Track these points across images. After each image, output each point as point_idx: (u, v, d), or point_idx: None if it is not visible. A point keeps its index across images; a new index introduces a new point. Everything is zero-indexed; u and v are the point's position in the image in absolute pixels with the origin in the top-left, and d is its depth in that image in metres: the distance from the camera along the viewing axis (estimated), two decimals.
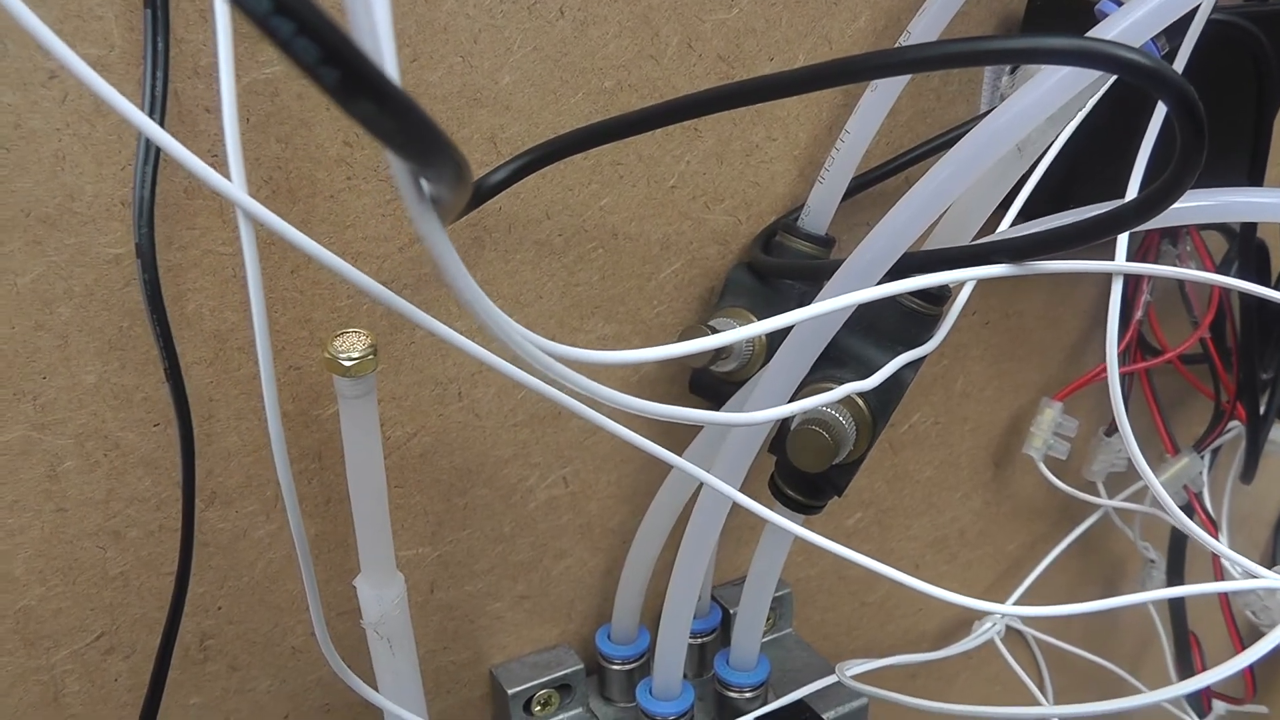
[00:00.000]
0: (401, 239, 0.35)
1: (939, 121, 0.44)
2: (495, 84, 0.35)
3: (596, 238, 0.39)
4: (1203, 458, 0.53)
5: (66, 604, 0.35)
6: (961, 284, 0.37)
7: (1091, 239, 0.31)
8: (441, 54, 0.34)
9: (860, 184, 0.41)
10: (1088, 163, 0.39)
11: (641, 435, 0.31)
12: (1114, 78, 0.34)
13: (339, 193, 0.34)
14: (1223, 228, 0.52)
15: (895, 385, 0.36)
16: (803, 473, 0.36)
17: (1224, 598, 0.57)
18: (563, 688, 0.44)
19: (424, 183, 0.18)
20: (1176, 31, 0.35)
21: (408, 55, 0.33)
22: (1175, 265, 0.50)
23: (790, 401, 0.34)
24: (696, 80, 0.38)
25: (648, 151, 0.38)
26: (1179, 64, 0.34)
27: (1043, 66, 0.30)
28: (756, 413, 0.32)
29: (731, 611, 0.45)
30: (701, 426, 0.40)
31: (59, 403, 0.32)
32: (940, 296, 0.36)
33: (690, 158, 0.39)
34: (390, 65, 0.17)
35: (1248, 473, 0.56)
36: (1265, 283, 0.50)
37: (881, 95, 0.37)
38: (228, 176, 0.30)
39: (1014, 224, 0.39)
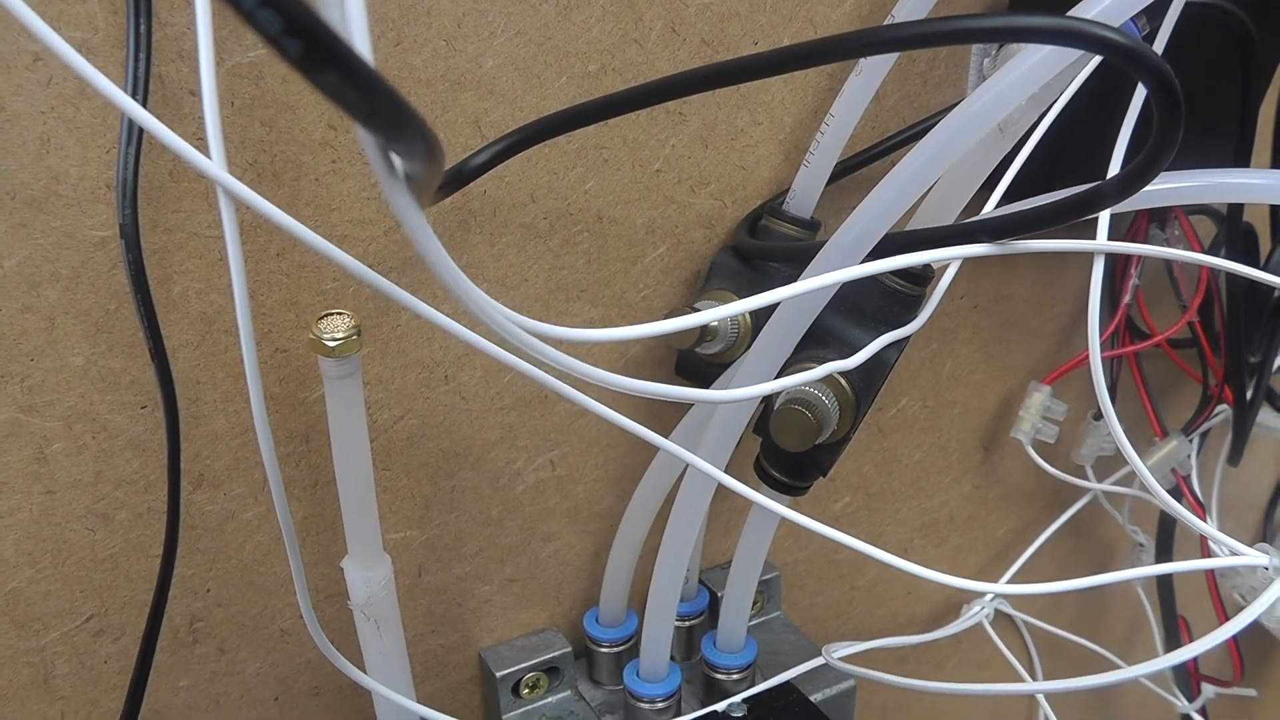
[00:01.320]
0: (386, 222, 0.36)
1: (925, 106, 0.44)
2: (479, 68, 0.35)
3: (582, 221, 0.39)
4: (1191, 441, 0.54)
5: (56, 586, 0.35)
6: (945, 265, 0.37)
7: (1071, 217, 0.31)
8: (425, 38, 0.34)
9: (846, 168, 0.41)
10: (1076, 146, 0.39)
11: (627, 418, 0.31)
12: (1096, 58, 0.34)
13: (324, 176, 0.34)
14: (1211, 212, 0.52)
15: (878, 365, 0.36)
16: (787, 453, 0.36)
17: (1211, 580, 0.57)
18: (551, 670, 0.44)
19: (395, 158, 0.19)
20: (1158, 12, 0.35)
21: (391, 39, 0.33)
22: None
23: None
24: (680, 64, 0.38)
25: (632, 135, 0.38)
26: (1159, 44, 0.35)
27: (1024, 46, 0.30)
28: (738, 390, 0.32)
29: (719, 594, 0.45)
30: (687, 409, 0.40)
31: (47, 385, 0.33)
32: (923, 277, 0.36)
33: (675, 142, 0.39)
34: (359, 38, 0.17)
35: (1234, 455, 0.56)
36: (1253, 266, 0.50)
37: (866, 79, 0.37)
38: (209, 158, 0.30)
39: (999, 206, 0.39)
